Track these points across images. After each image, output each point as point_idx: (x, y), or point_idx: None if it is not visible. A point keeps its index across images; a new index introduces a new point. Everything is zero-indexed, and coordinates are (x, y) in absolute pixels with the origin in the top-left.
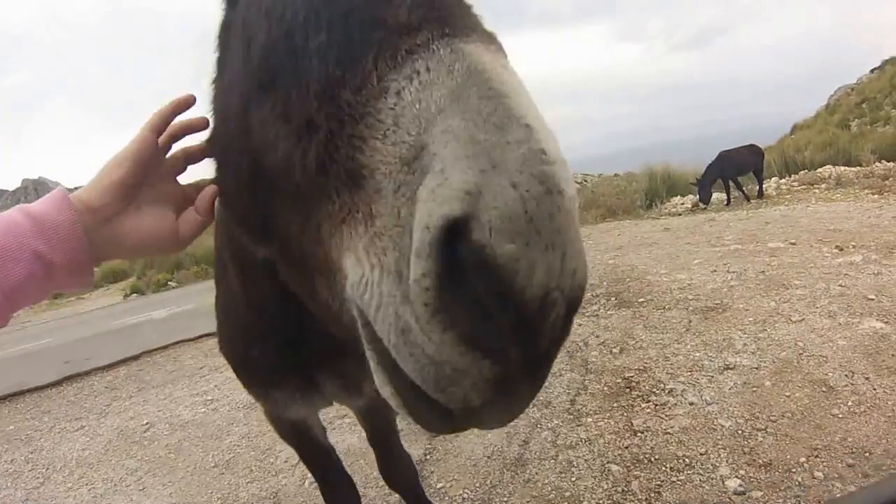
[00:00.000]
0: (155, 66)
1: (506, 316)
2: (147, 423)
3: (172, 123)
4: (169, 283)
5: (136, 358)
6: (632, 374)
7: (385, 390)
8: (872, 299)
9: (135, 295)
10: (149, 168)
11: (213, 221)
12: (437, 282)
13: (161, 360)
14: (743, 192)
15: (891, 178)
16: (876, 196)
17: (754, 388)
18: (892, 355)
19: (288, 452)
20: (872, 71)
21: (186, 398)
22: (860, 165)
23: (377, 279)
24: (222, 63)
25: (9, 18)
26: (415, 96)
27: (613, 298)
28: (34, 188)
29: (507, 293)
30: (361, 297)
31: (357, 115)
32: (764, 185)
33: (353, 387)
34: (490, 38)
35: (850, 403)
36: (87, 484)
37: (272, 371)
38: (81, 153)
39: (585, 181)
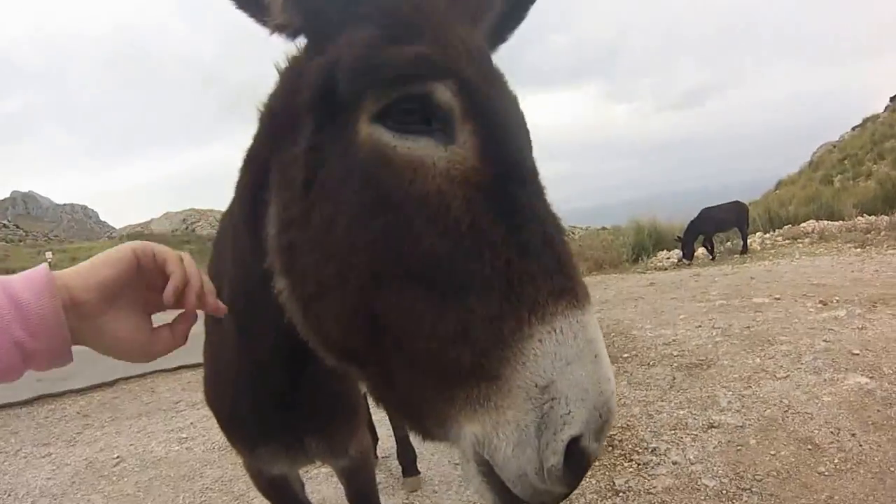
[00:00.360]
0: (144, 97)
1: (583, 468)
2: (118, 457)
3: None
4: None
5: (111, 384)
6: (614, 433)
7: (487, 496)
8: (857, 354)
9: None
10: (137, 276)
11: (184, 344)
12: (562, 464)
13: (137, 390)
14: (710, 249)
15: (872, 232)
16: (858, 250)
17: (739, 447)
18: (878, 410)
19: (262, 500)
20: (854, 129)
21: (161, 433)
22: (843, 220)
23: (504, 446)
24: (308, 186)
25: (7, 44)
26: (552, 347)
27: None
28: (23, 200)
29: (588, 461)
30: (485, 450)
31: (510, 343)
32: (748, 241)
33: (339, 449)
34: (588, 296)
35: (836, 461)
36: None
37: (260, 428)
38: (69, 173)
39: (573, 233)
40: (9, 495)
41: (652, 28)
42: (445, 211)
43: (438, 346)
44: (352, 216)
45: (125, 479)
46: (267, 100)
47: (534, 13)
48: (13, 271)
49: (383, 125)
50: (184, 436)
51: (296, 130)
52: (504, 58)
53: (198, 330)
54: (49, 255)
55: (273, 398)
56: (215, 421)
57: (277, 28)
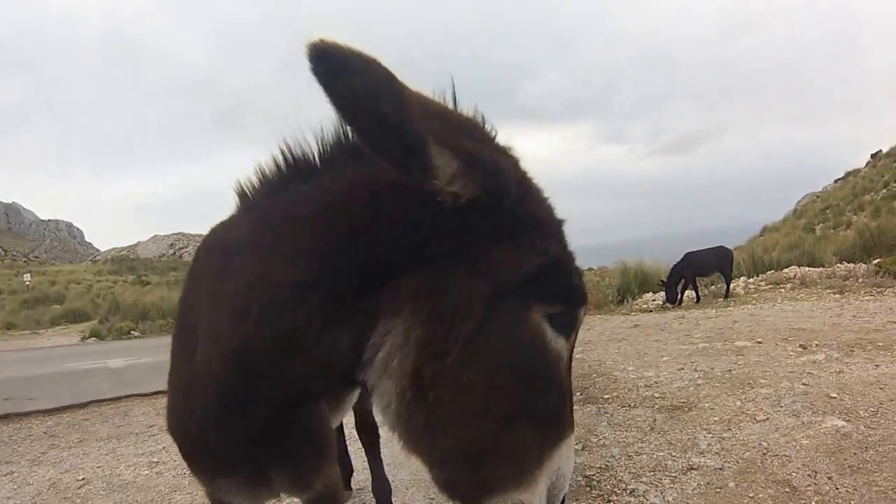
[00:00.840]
0: (137, 108)
1: None
2: (83, 479)
3: None
4: (132, 332)
5: (83, 406)
6: (593, 473)
7: None
8: (834, 397)
9: (93, 339)
10: None
11: None
12: None
13: (109, 413)
14: (696, 292)
15: (851, 279)
16: (837, 296)
17: (718, 489)
18: (854, 454)
19: None
20: (836, 181)
21: (130, 457)
22: (823, 266)
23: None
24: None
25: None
26: (565, 452)
27: (579, 394)
28: (5, 212)
29: None
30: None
31: (555, 447)
32: (732, 285)
33: (305, 482)
34: None
35: (813, 503)
36: None
37: (225, 460)
38: (57, 186)
39: None
40: None
41: (646, 72)
42: (560, 379)
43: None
44: (510, 373)
45: (89, 502)
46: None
47: (528, 49)
48: None
49: (550, 323)
50: (154, 460)
51: (469, 279)
52: (496, 92)
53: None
54: (27, 277)
55: (244, 434)
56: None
57: (442, 194)
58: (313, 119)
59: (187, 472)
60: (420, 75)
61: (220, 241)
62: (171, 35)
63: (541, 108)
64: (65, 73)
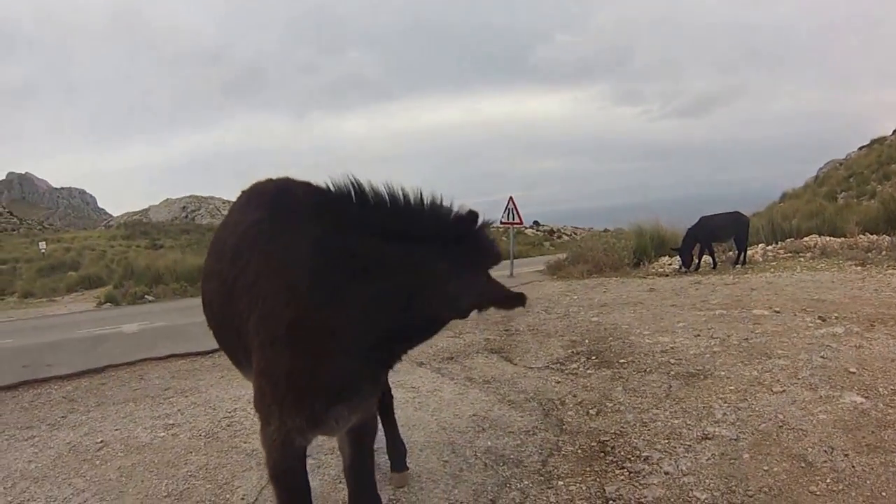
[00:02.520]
0: (147, 79)
1: None
2: (101, 442)
3: None
4: (146, 296)
5: (99, 371)
6: (607, 438)
7: None
8: (854, 373)
9: (108, 304)
10: None
11: None
12: None
13: (125, 377)
14: (712, 258)
15: (873, 251)
16: (859, 268)
17: (732, 460)
18: (872, 432)
19: (245, 489)
20: (861, 148)
21: (147, 419)
22: (845, 237)
23: None
24: None
25: (7, 13)
26: None
27: (594, 357)
28: (19, 183)
29: None
30: None
31: None
32: (749, 252)
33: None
34: None
35: (828, 481)
36: (28, 499)
37: (361, 384)
38: (70, 155)
39: (575, 234)
40: None
41: (662, 32)
42: None
43: None
44: None
45: (108, 464)
46: None
47: (542, 10)
48: (4, 262)
49: None
50: (170, 422)
51: None
52: (511, 54)
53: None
54: (43, 244)
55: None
56: (202, 406)
57: None
58: (318, 84)
59: (203, 434)
60: (434, 39)
61: None
62: (177, 4)
63: (554, 70)
64: (74, 48)
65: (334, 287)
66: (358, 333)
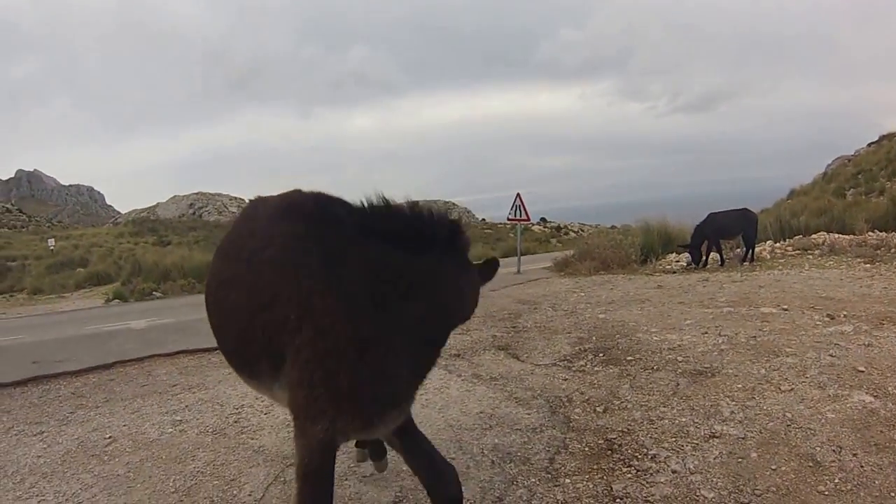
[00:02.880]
0: (154, 75)
1: None
2: (110, 437)
3: None
4: (154, 293)
5: (108, 367)
6: (615, 436)
7: None
8: (862, 371)
9: (116, 301)
10: None
11: None
12: None
13: (134, 373)
14: (720, 254)
15: (882, 248)
16: (867, 265)
17: (740, 459)
18: (881, 431)
19: (252, 485)
20: (870, 145)
21: (155, 415)
22: (853, 234)
23: None
24: None
25: (17, 10)
26: None
27: (601, 354)
28: (28, 180)
29: None
30: None
31: None
32: (757, 249)
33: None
34: None
35: (836, 480)
36: (37, 495)
37: (408, 394)
38: (77, 152)
39: (582, 231)
40: None
41: (668, 28)
42: None
43: None
44: None
45: (116, 460)
46: None
47: (548, 5)
48: (14, 259)
49: None
50: (178, 418)
51: None
52: (516, 50)
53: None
54: (52, 241)
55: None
56: (210, 402)
57: None
58: (323, 81)
59: (210, 430)
60: (440, 35)
61: None
62: (183, 3)
63: (561, 65)
64: (81, 47)
65: (388, 304)
66: (409, 343)
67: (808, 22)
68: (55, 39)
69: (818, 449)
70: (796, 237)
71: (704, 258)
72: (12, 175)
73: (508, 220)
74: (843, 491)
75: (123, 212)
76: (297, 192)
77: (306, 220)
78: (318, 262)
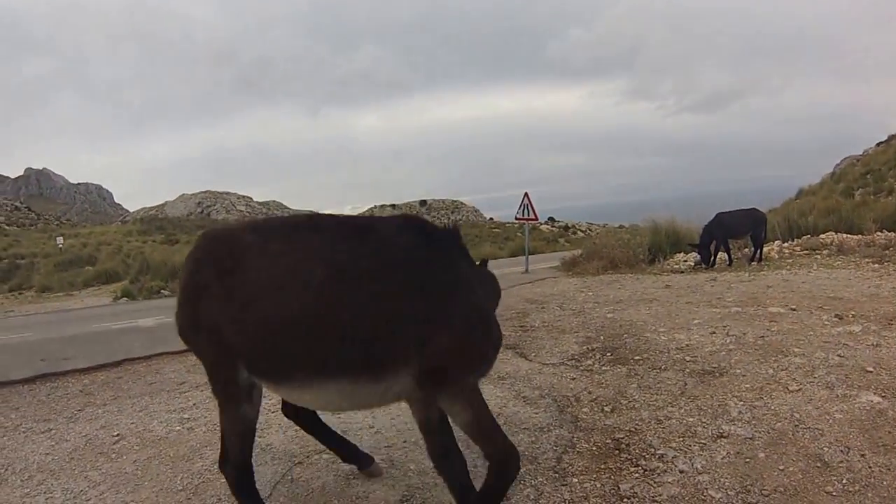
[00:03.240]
0: (162, 77)
1: None
2: (118, 435)
3: None
4: (162, 291)
5: (116, 364)
6: (622, 436)
7: None
8: (871, 372)
9: (124, 299)
10: None
11: None
12: None
13: (142, 370)
14: (728, 254)
15: (891, 248)
16: (876, 265)
17: (747, 459)
18: (889, 432)
19: (260, 483)
20: (878, 144)
21: (162, 413)
22: (862, 234)
23: None
24: None
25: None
26: None
27: (609, 354)
28: (37, 178)
29: None
30: None
31: None
32: (766, 248)
33: None
34: None
35: (844, 481)
36: (45, 492)
37: None
38: (86, 151)
39: (590, 231)
40: (6, 469)
41: (676, 27)
42: None
43: None
44: None
45: (124, 457)
46: None
47: (556, 4)
48: (23, 257)
49: None
50: (186, 416)
51: None
52: (524, 50)
53: None
54: (60, 239)
55: None
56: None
57: None
58: (330, 80)
59: (217, 428)
60: (448, 34)
61: None
62: (189, 2)
63: (569, 64)
64: (90, 47)
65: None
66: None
67: (817, 21)
68: (64, 41)
69: (826, 449)
70: (804, 237)
71: (713, 258)
72: (21, 173)
73: (516, 219)
74: (851, 492)
75: (132, 210)
76: (406, 215)
77: (414, 237)
78: (446, 277)
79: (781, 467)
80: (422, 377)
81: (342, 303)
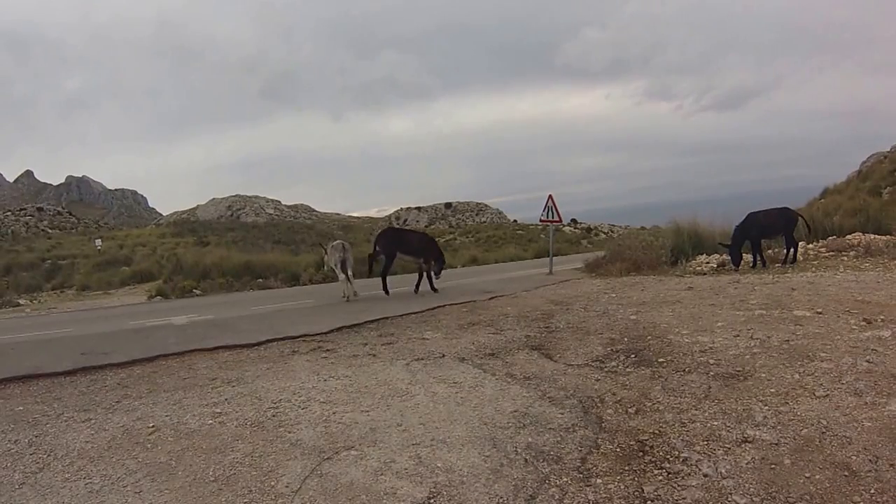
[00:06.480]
0: (192, 87)
1: None
2: (153, 426)
3: None
4: (194, 290)
5: (151, 359)
6: (646, 438)
7: None
8: None
9: (159, 297)
10: None
11: None
12: None
13: (175, 366)
14: (760, 256)
15: None
16: None
17: (773, 465)
18: None
19: (289, 477)
20: None
21: (196, 407)
22: (890, 234)
23: None
24: None
25: (66, 28)
26: None
27: (633, 356)
28: (77, 185)
29: None
30: None
31: None
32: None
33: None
34: None
35: (872, 491)
36: (84, 477)
37: None
38: (123, 159)
39: (612, 232)
40: (49, 455)
41: (693, 25)
42: None
43: None
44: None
45: (159, 448)
46: None
47: (572, 5)
48: (64, 258)
49: None
50: (218, 411)
51: None
52: (539, 51)
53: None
54: (98, 241)
55: None
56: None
57: None
58: (353, 87)
59: (249, 423)
60: (468, 39)
61: None
62: (214, 17)
63: (585, 67)
64: (124, 61)
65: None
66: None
67: (842, 15)
68: (100, 56)
69: (854, 458)
70: (830, 238)
71: (742, 259)
72: (62, 181)
73: (541, 221)
74: (879, 502)
75: (165, 213)
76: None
77: (422, 232)
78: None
79: (808, 475)
80: (423, 260)
81: (419, 244)
